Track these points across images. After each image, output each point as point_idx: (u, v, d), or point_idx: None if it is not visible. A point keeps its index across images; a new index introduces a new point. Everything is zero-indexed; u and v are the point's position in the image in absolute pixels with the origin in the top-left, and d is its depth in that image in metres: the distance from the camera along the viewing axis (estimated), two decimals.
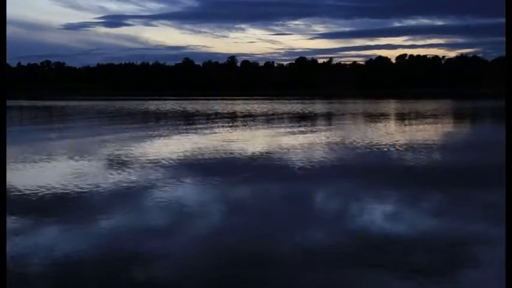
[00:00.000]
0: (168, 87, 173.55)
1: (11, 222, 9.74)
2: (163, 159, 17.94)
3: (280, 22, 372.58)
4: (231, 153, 19.62)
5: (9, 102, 76.13)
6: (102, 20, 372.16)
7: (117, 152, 19.77)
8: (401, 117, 44.29)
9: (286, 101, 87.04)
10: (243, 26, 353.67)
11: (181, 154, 19.33)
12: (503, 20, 7.83)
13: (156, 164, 16.85)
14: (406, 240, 8.74)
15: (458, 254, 8.00)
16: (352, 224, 9.83)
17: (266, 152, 19.78)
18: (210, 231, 9.44)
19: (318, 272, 7.34)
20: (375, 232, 9.19)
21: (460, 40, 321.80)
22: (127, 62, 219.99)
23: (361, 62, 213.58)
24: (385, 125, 34.35)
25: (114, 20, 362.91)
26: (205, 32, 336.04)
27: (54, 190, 12.76)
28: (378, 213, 10.56)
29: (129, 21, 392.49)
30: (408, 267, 7.45)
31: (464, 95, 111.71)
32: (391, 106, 67.74)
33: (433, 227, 9.49)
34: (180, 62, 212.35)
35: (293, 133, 28.22)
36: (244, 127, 33.03)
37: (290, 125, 35.20)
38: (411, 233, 9.15)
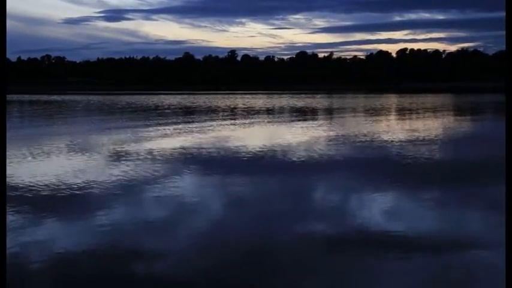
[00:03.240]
0: (168, 82, 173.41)
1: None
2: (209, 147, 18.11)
3: (281, 16, 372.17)
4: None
5: (13, 97, 76.22)
6: (102, 14, 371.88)
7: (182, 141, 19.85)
8: (405, 112, 44.28)
9: (289, 96, 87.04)
10: (243, 20, 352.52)
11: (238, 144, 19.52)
12: (504, 13, 7.81)
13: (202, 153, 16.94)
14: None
15: None
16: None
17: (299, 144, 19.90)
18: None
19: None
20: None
21: (460, 34, 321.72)
22: (127, 56, 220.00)
23: (361, 57, 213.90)
24: (392, 120, 34.41)
25: (114, 14, 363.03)
26: (205, 27, 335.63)
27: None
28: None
29: (129, 16, 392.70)
30: None
31: (465, 89, 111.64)
32: (393, 101, 67.74)
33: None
34: (181, 56, 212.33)
35: (311, 127, 28.28)
36: (270, 121, 33.24)
37: (305, 119, 35.27)
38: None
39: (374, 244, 8.38)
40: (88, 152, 18.91)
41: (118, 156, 17.58)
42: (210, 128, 28.84)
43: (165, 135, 24.57)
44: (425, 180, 13.43)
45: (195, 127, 29.02)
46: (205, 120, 34.22)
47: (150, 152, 18.69)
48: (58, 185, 12.86)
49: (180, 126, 29.90)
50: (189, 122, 32.75)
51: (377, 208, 10.69)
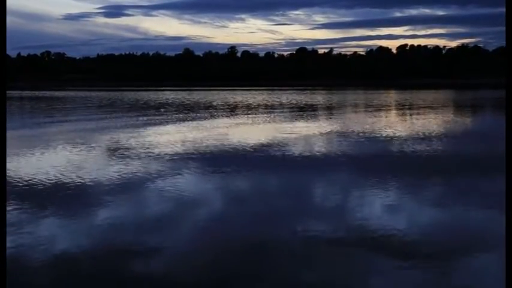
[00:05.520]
0: (168, 78, 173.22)
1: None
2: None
3: (281, 12, 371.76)
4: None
5: (17, 94, 76.11)
6: (101, 10, 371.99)
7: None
8: (407, 108, 44.33)
9: (291, 92, 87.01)
10: (243, 16, 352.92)
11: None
12: (504, 9, 7.80)
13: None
14: None
15: None
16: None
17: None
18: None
19: None
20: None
21: (461, 30, 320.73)
22: (127, 52, 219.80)
23: (361, 53, 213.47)
24: (396, 116, 34.48)
25: (114, 10, 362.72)
26: (205, 23, 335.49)
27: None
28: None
29: (128, 12, 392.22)
30: None
31: (465, 85, 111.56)
32: (395, 97, 67.72)
33: None
34: (180, 52, 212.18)
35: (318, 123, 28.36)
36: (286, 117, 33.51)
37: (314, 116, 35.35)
38: None
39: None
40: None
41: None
42: (239, 123, 29.08)
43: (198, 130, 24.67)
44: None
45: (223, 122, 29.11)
46: (230, 116, 34.35)
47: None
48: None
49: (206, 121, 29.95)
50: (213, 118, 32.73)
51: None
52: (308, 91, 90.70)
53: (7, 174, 13.08)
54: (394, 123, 29.22)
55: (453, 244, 8.22)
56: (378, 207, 10.58)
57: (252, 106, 46.61)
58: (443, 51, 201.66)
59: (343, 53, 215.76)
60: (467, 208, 10.46)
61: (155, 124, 28.68)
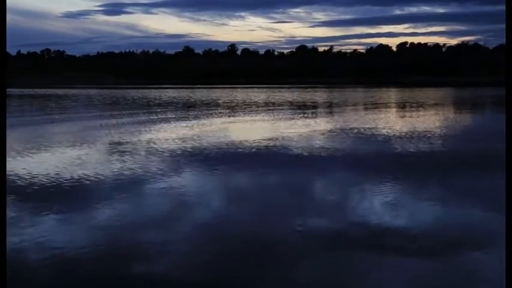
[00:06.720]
0: (168, 76, 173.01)
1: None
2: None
3: (281, 10, 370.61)
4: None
5: (18, 92, 76.07)
6: (101, 8, 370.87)
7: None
8: (410, 106, 44.37)
9: (294, 90, 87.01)
10: (242, 14, 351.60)
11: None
12: (504, 7, 7.81)
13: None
14: None
15: None
16: None
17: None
18: None
19: None
20: None
21: (461, 28, 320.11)
22: (127, 50, 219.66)
23: (361, 50, 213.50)
24: (400, 114, 34.59)
25: (114, 8, 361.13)
26: (204, 20, 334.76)
27: None
28: None
29: (128, 9, 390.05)
30: None
31: (465, 83, 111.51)
32: (396, 95, 67.73)
33: None
34: (181, 50, 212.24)
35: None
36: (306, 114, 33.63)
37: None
38: None
39: None
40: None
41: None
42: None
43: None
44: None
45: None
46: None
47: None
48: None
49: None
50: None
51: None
52: (310, 89, 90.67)
53: (22, 168, 13.17)
54: (399, 121, 29.27)
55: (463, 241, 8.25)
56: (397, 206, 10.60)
57: (256, 104, 46.66)
58: (444, 49, 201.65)
59: (343, 50, 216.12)
60: (467, 205, 10.50)
61: (161, 122, 28.77)
